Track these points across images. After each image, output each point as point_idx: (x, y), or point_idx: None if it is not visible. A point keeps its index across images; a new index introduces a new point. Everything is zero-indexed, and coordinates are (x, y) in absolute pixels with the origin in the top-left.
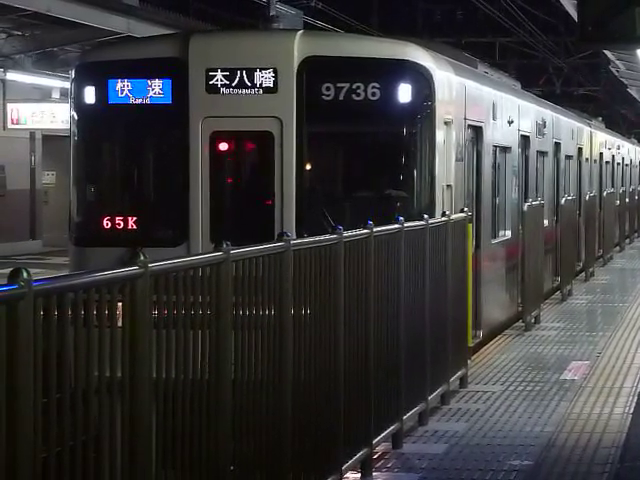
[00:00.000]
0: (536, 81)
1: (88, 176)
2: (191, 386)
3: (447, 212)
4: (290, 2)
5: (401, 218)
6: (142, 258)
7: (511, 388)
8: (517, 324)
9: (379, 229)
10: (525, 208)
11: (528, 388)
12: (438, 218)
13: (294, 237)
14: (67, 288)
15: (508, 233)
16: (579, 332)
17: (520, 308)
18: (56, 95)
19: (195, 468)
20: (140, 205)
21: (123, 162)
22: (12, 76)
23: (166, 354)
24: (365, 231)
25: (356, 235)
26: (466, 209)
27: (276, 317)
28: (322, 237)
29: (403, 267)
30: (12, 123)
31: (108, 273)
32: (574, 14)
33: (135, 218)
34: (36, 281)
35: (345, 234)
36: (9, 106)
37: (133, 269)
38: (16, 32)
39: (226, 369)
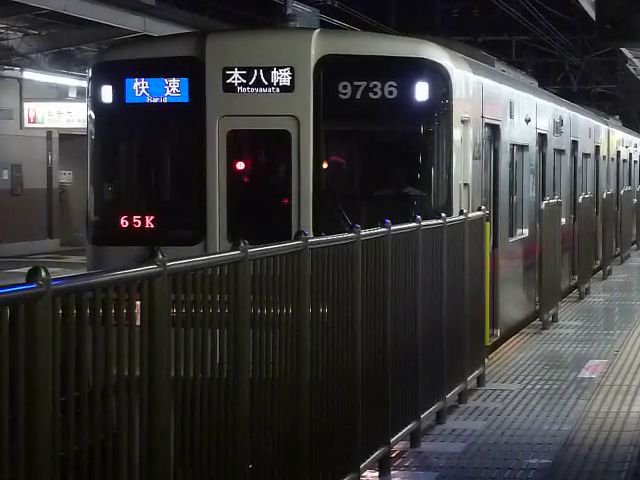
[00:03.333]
0: (553, 79)
1: (105, 175)
2: (209, 385)
3: (465, 210)
4: (306, 0)
5: (419, 217)
6: (160, 257)
7: (529, 386)
8: (535, 322)
9: (397, 227)
10: (543, 206)
11: (546, 386)
12: (456, 216)
13: (311, 236)
14: (85, 287)
15: (525, 232)
16: (597, 330)
17: (537, 307)
18: (73, 94)
19: (213, 466)
20: (157, 204)
21: (140, 161)
22: (29, 75)
23: (184, 353)
24: (383, 229)
25: (374, 234)
26: (484, 207)
27: (294, 316)
28: (340, 236)
29: (421, 266)
30: (29, 122)
31: (126, 272)
32: (591, 12)
33: (152, 217)
34: (54, 280)
35: (363, 233)
36: (26, 105)
37: (151, 268)
38: (32, 31)
39: (244, 368)
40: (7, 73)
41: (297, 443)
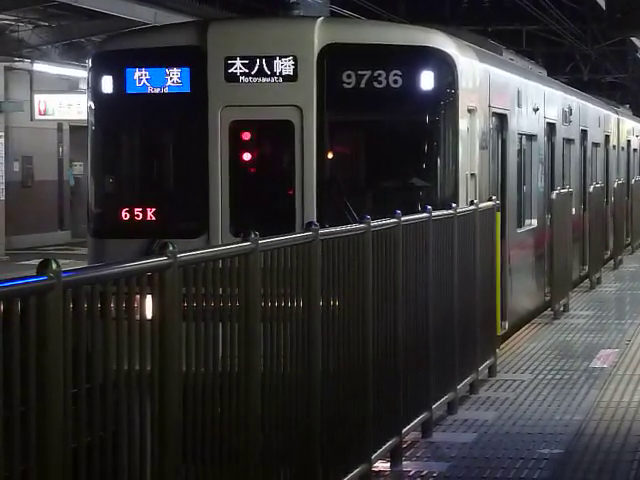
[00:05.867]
0: (563, 69)
1: (106, 167)
2: (220, 377)
3: (475, 201)
4: None
5: (429, 207)
6: (171, 248)
7: (540, 376)
8: (546, 312)
9: (407, 218)
10: (554, 196)
11: (557, 376)
12: (466, 207)
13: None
14: (96, 279)
15: (534, 222)
16: (608, 320)
17: (547, 298)
18: (83, 86)
19: (224, 459)
20: (159, 196)
21: (141, 153)
22: (39, 67)
23: (195, 346)
24: (393, 220)
25: (384, 224)
26: (494, 197)
27: (304, 307)
28: (350, 226)
29: (431, 256)
30: (39, 114)
31: (137, 264)
32: (602, 2)
33: (154, 209)
34: (65, 272)
35: (373, 223)
36: (36, 97)
37: (162, 259)
38: (43, 23)
39: (255, 360)
40: (18, 65)
41: (309, 434)
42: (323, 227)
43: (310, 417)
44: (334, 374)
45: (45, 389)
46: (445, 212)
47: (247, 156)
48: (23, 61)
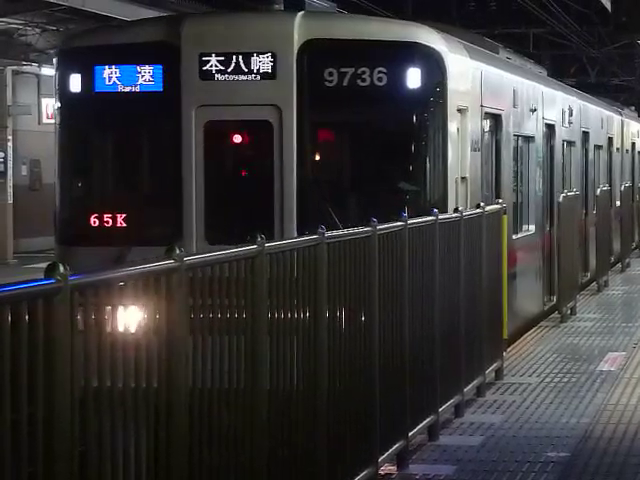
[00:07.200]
0: (570, 71)
1: (74, 170)
2: (228, 379)
3: (460, 208)
4: None
5: (436, 210)
6: (177, 252)
7: (547, 380)
8: (553, 315)
9: (413, 221)
10: (561, 199)
11: (564, 380)
12: (472, 210)
13: (295, 235)
14: (103, 282)
15: (532, 228)
16: (615, 323)
17: (546, 307)
18: None
19: (232, 463)
20: (129, 201)
21: (111, 155)
22: (47, 71)
23: (202, 352)
24: (400, 223)
25: (390, 227)
26: (501, 200)
27: (311, 310)
28: (356, 229)
29: (437, 259)
30: (47, 118)
31: (143, 267)
32: (608, 4)
33: (124, 215)
34: (72, 275)
35: (379, 226)
36: (44, 101)
37: (168, 263)
38: (50, 27)
39: (262, 362)
40: (25, 69)
41: (315, 437)
42: (303, 234)
43: (316, 419)
44: (340, 376)
45: (53, 392)
46: (451, 215)
47: (223, 159)
48: (31, 65)
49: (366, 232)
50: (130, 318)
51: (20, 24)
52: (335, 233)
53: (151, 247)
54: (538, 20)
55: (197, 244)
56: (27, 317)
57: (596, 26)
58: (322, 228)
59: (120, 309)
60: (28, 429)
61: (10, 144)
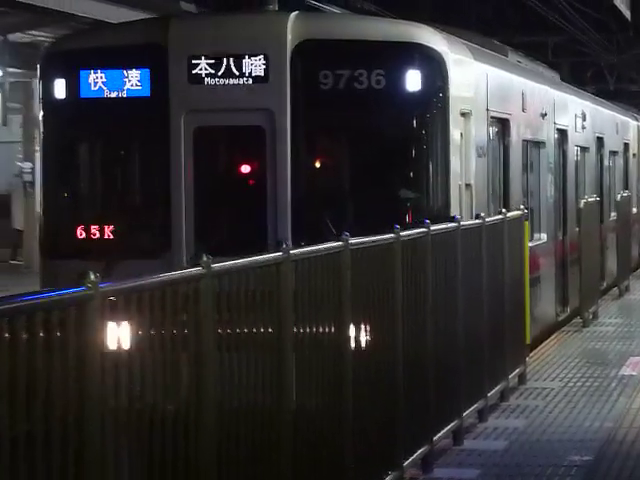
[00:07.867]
0: (589, 78)
1: (59, 180)
2: (254, 387)
3: (457, 216)
4: (335, 1)
5: (457, 216)
6: (204, 259)
7: (570, 384)
8: (575, 320)
9: (436, 228)
10: (582, 205)
11: (587, 384)
12: (495, 216)
13: (290, 246)
14: (133, 289)
15: (544, 236)
16: (637, 327)
17: (559, 318)
18: None
19: (259, 469)
20: (117, 212)
21: (97, 164)
22: None
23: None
24: (422, 230)
25: (413, 234)
26: (522, 206)
27: (335, 315)
28: (380, 237)
29: (460, 265)
30: None
31: (173, 274)
32: (626, 12)
33: (111, 227)
34: (103, 283)
35: (402, 233)
36: None
37: (196, 270)
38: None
39: (288, 373)
40: None
41: (341, 442)
42: (298, 246)
43: (341, 425)
44: (365, 382)
45: (85, 400)
46: (474, 222)
47: (213, 167)
48: None
49: (389, 239)
50: (154, 325)
51: (46, 37)
52: (359, 240)
53: (138, 260)
54: (555, 27)
55: (186, 257)
56: (59, 324)
57: (615, 33)
58: (345, 234)
59: (146, 316)
60: (60, 435)
61: (38, 155)
